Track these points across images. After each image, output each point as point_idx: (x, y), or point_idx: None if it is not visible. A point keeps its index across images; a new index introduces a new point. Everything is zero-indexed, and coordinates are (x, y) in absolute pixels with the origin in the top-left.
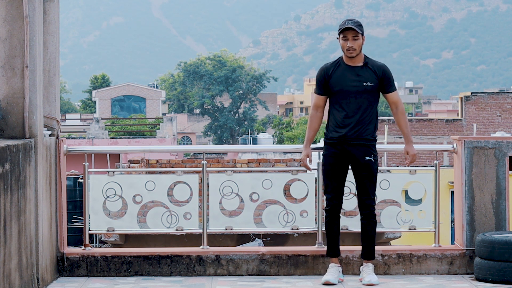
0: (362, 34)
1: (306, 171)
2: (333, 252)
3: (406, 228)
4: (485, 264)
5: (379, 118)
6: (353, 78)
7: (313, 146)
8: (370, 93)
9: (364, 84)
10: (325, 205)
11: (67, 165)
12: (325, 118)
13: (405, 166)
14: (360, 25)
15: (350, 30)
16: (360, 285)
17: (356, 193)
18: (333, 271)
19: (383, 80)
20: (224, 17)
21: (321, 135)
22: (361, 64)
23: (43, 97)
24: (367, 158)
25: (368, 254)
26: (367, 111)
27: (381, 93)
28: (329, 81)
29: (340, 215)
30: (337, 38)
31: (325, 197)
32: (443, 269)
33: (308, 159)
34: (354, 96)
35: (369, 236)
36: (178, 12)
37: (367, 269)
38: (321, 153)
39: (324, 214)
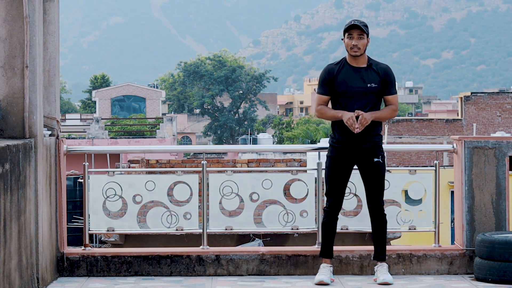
0: (368, 35)
1: (306, 171)
2: (326, 253)
3: (406, 228)
4: (485, 264)
5: None
6: (358, 79)
7: (313, 146)
8: (374, 94)
9: (369, 85)
10: (324, 206)
11: (67, 165)
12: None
13: (405, 166)
14: (366, 26)
15: (356, 29)
16: (360, 285)
17: (366, 195)
18: (325, 271)
19: (385, 82)
20: (224, 17)
21: (321, 135)
22: (365, 65)
23: (43, 97)
24: (375, 159)
25: (382, 255)
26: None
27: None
28: (334, 81)
29: (340, 215)
30: (342, 39)
31: (325, 198)
32: (443, 269)
33: (354, 116)
34: (359, 98)
35: (382, 235)
36: (178, 12)
37: (382, 268)
38: (325, 154)
39: (323, 214)
